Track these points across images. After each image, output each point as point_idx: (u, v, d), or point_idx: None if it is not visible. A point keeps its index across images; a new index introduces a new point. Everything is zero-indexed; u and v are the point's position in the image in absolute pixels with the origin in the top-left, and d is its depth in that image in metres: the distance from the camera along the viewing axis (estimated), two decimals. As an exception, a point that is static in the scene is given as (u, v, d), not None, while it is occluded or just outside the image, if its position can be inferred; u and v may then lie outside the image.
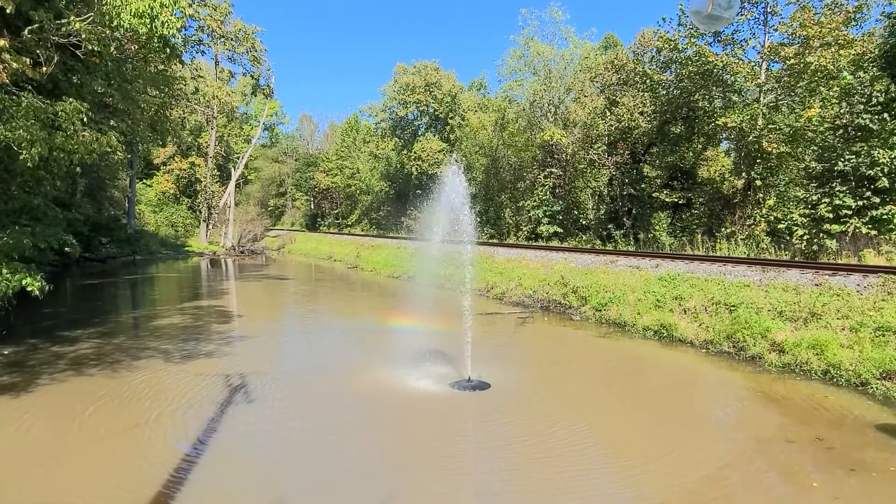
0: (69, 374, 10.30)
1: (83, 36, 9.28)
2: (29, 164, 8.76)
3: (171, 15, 9.00)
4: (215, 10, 39.20)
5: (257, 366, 11.13)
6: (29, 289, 8.94)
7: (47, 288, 9.37)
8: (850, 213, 19.55)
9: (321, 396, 9.52)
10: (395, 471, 6.70)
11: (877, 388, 9.27)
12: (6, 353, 11.64)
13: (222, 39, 40.84)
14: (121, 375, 10.27)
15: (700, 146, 28.93)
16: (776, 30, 24.06)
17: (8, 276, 8.89)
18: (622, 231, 29.89)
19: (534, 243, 31.33)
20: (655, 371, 11.51)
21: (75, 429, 7.72)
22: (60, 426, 7.83)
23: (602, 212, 33.40)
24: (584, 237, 32.11)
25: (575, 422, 8.31)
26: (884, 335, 10.02)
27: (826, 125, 21.37)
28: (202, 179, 51.72)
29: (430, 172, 48.10)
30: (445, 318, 14.38)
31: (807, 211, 20.95)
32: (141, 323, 16.52)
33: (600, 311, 15.94)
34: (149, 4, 8.58)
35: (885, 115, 19.51)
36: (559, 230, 33.26)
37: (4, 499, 5.77)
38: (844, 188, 19.82)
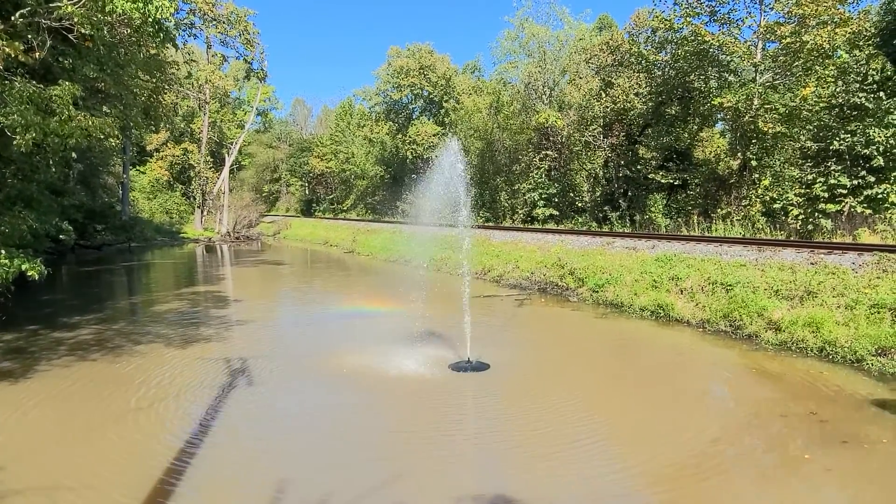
0: (70, 359, 10.33)
1: (76, 20, 9.15)
2: (23, 149, 8.69)
3: (164, -2, 8.88)
4: (207, -9, 38.63)
5: (257, 349, 11.18)
6: (28, 273, 8.90)
7: (46, 273, 9.34)
8: (845, 192, 19.64)
9: (322, 379, 9.59)
10: (398, 450, 6.77)
11: (872, 364, 9.39)
12: (7, 339, 11.66)
13: (214, 22, 40.28)
14: (122, 360, 10.31)
15: (696, 127, 28.91)
16: (772, 8, 23.95)
17: (6, 262, 8.85)
18: (618, 213, 29.95)
19: (530, 226, 31.37)
20: (652, 350, 11.62)
21: (78, 413, 7.77)
22: (63, 411, 7.87)
23: (598, 194, 33.40)
24: (581, 220, 32.16)
25: (572, 400, 8.42)
26: (879, 312, 10.13)
27: (822, 104, 21.37)
28: (196, 165, 51.39)
29: (425, 156, 47.92)
30: (442, 301, 14.44)
31: (802, 190, 21.04)
32: (139, 309, 16.54)
33: (597, 292, 16.02)
34: (141, -13, 8.47)
35: (881, 93, 19.54)
36: (555, 213, 33.28)
37: (7, 485, 5.78)
38: (840, 167, 19.89)
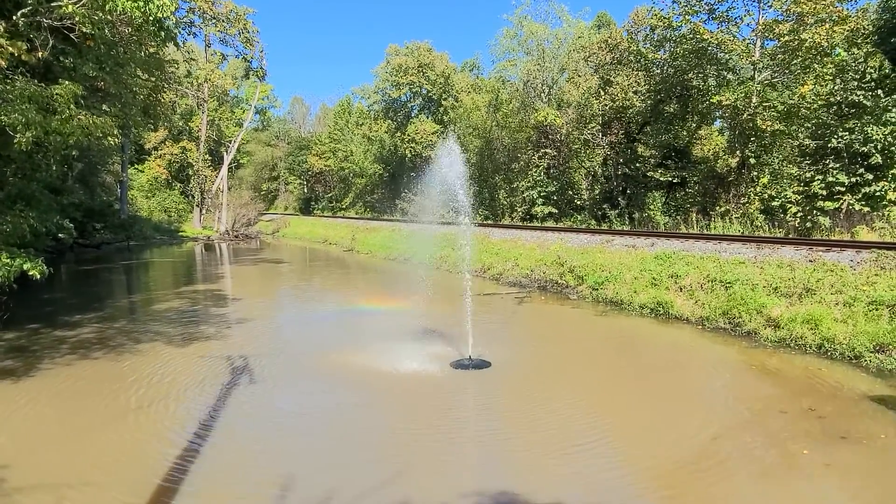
0: (71, 357, 10.36)
1: (77, 19, 9.16)
2: (24, 148, 8.71)
3: (165, -3, 8.89)
4: (206, -10, 38.63)
5: (258, 348, 11.21)
6: (30, 273, 8.92)
7: (48, 272, 9.36)
8: (843, 189, 19.66)
9: (324, 377, 9.61)
10: (399, 450, 6.78)
11: (870, 361, 9.45)
12: (8, 337, 11.68)
13: (213, 21, 40.30)
14: (124, 358, 10.33)
15: (694, 125, 28.94)
16: (771, 6, 23.98)
17: (7, 261, 8.87)
18: (617, 211, 29.98)
19: (529, 224, 31.40)
20: (652, 347, 11.68)
21: (78, 412, 7.79)
22: (63, 409, 7.89)
23: (597, 192, 33.44)
24: (580, 217, 32.19)
25: (573, 397, 8.48)
26: (877, 309, 10.19)
27: (820, 102, 21.40)
28: (194, 164, 51.35)
29: (423, 154, 47.91)
30: (442, 299, 14.49)
31: (800, 188, 21.06)
32: (140, 307, 16.55)
33: (597, 289, 16.06)
34: (142, -13, 8.48)
35: (879, 91, 19.56)
36: (554, 211, 33.31)
37: (9, 483, 5.80)
38: (838, 165, 19.92)
